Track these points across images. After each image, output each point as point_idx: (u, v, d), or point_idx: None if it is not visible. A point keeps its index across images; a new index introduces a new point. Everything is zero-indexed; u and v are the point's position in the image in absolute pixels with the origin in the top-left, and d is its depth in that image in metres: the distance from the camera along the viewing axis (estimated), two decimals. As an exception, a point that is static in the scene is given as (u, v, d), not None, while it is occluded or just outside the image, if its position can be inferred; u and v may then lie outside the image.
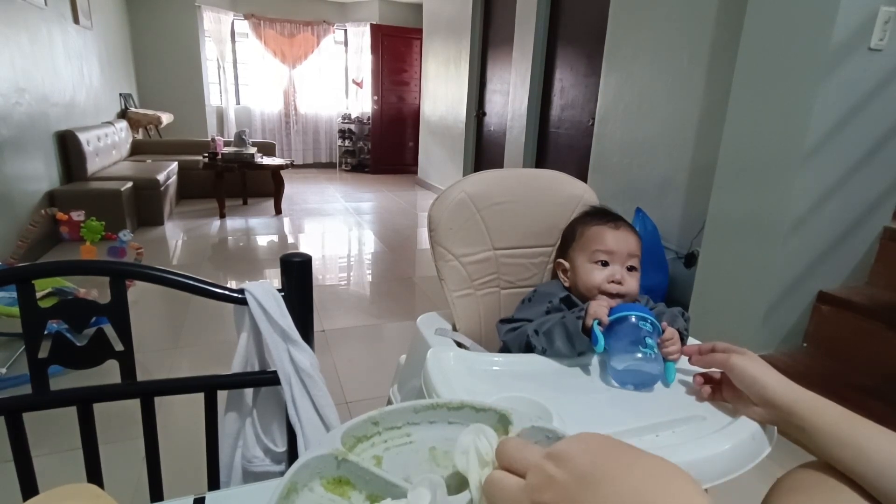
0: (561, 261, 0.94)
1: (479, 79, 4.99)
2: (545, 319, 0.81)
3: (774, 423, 0.62)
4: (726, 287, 1.93)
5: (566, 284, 0.92)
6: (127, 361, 0.68)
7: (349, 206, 5.27)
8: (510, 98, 4.19)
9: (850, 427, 0.53)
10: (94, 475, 0.69)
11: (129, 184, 3.74)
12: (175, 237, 3.87)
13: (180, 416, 1.57)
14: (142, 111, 5.51)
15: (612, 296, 0.85)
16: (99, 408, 0.67)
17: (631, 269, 0.87)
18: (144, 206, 3.96)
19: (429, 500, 0.36)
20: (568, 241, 0.95)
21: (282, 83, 7.34)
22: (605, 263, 0.86)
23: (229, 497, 0.54)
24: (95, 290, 2.15)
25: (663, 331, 0.75)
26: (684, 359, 0.75)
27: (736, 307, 1.89)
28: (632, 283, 0.86)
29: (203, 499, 0.49)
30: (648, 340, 0.70)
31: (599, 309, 0.75)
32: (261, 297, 0.69)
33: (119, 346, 0.67)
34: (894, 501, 0.48)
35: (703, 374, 0.71)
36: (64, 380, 0.84)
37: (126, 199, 3.61)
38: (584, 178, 2.20)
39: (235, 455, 0.76)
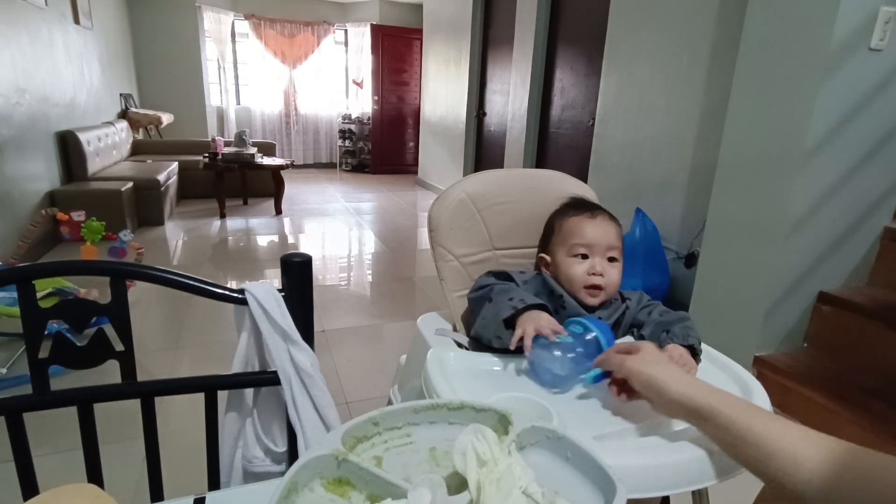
0: (543, 255, 0.92)
1: (479, 79, 4.99)
2: (496, 287, 0.83)
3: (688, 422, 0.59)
4: (726, 287, 1.93)
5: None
6: (127, 361, 0.68)
7: (349, 207, 5.27)
8: (510, 98, 4.19)
9: (749, 421, 0.51)
10: (94, 475, 0.69)
11: (130, 184, 3.75)
12: (175, 237, 3.88)
13: (180, 416, 1.57)
14: (142, 111, 5.51)
15: (593, 288, 0.83)
16: (99, 408, 0.67)
17: (611, 259, 0.86)
18: (145, 206, 3.96)
19: (429, 500, 0.36)
20: (548, 235, 0.94)
21: (282, 83, 7.34)
22: (584, 256, 0.85)
23: (229, 497, 0.54)
24: (96, 290, 2.15)
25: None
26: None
27: (736, 307, 1.89)
28: (613, 274, 0.84)
29: (203, 499, 0.49)
30: (566, 342, 0.71)
31: (543, 328, 0.72)
32: (261, 297, 0.69)
33: (119, 346, 0.67)
34: (798, 496, 0.47)
35: (615, 378, 0.66)
36: (64, 380, 0.84)
37: (126, 199, 3.61)
38: (584, 178, 2.20)
39: (236, 455, 0.76)
